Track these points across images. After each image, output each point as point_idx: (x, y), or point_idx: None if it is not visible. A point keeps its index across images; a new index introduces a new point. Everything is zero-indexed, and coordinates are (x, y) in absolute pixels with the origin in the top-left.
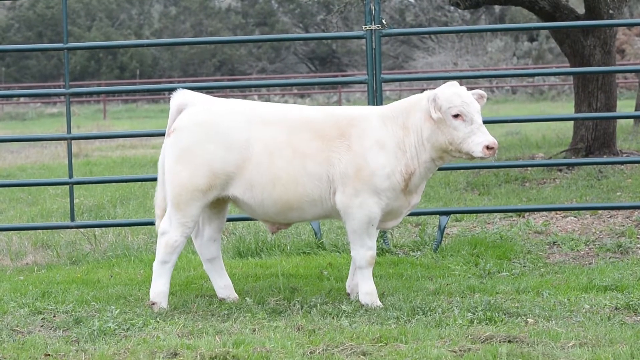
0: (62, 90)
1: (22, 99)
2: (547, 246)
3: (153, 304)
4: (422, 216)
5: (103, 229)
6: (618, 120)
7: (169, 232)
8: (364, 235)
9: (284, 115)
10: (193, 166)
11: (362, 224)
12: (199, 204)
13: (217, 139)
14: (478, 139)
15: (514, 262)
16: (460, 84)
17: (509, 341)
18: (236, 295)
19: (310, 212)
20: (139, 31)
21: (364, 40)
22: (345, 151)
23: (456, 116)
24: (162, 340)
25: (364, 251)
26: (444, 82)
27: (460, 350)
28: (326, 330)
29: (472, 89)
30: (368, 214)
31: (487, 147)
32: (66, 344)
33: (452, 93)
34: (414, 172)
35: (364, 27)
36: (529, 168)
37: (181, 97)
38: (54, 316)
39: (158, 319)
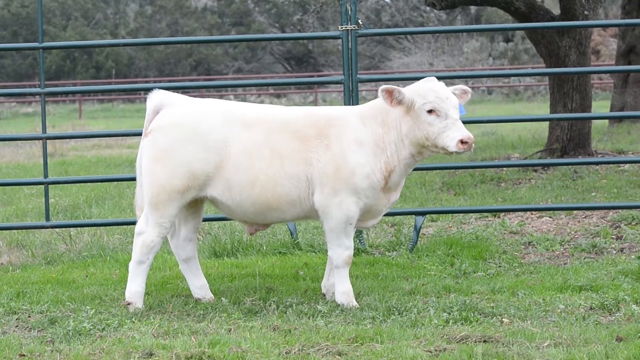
0: (37, 89)
1: None
2: (523, 246)
3: (128, 304)
4: (398, 216)
5: (78, 228)
6: (593, 121)
7: (146, 232)
8: (342, 235)
9: (262, 116)
10: (171, 167)
11: (340, 224)
12: (177, 205)
13: (196, 139)
14: (453, 134)
15: (489, 262)
16: None
17: (485, 341)
18: (212, 295)
19: (290, 212)
20: (115, 30)
21: (340, 41)
22: (324, 151)
23: (430, 112)
24: (137, 340)
25: (341, 251)
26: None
27: (436, 350)
28: (302, 330)
29: None
30: (346, 212)
31: (462, 142)
32: (41, 344)
33: (427, 89)
34: (393, 170)
35: (340, 27)
36: (505, 168)
37: (158, 98)
38: (29, 316)
39: (133, 319)
